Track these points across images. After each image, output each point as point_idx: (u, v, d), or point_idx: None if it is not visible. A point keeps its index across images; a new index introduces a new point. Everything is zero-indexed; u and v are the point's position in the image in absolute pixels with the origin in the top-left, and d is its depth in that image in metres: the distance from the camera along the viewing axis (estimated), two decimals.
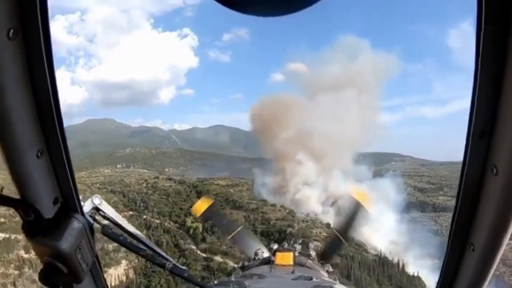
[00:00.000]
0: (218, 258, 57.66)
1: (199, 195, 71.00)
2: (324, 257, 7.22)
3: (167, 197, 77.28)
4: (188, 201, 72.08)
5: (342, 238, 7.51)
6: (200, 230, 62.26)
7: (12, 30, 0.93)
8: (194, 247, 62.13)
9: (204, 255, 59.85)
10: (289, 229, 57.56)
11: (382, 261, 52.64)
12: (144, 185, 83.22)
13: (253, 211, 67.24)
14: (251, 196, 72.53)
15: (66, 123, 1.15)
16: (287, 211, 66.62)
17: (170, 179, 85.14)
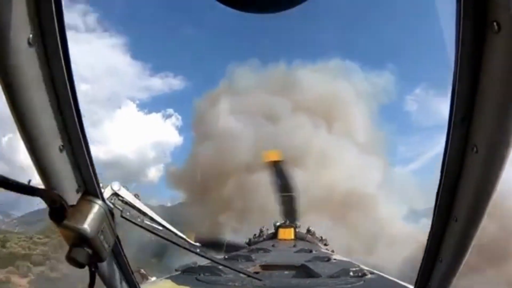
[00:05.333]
0: None
1: None
2: (290, 216, 7.24)
3: None
4: None
5: (291, 193, 7.53)
6: None
7: (31, 36, 0.93)
8: None
9: None
10: None
11: None
12: None
13: None
14: None
15: None
16: None
17: None
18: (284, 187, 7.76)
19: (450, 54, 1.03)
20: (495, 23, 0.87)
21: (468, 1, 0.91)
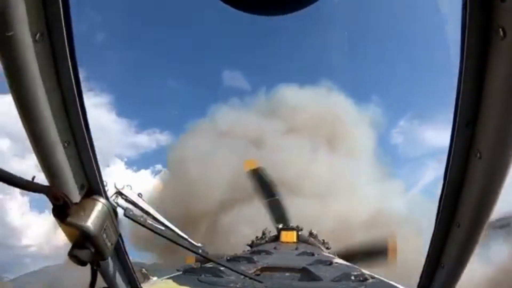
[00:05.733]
0: None
1: None
2: (281, 219, 7.17)
3: None
4: None
5: (275, 197, 7.44)
6: None
7: (38, 34, 0.93)
8: None
9: None
10: None
11: None
12: None
13: None
14: None
15: None
16: None
17: None
18: (268, 192, 7.76)
19: (454, 59, 1.02)
20: (500, 29, 0.86)
21: (474, 7, 0.90)
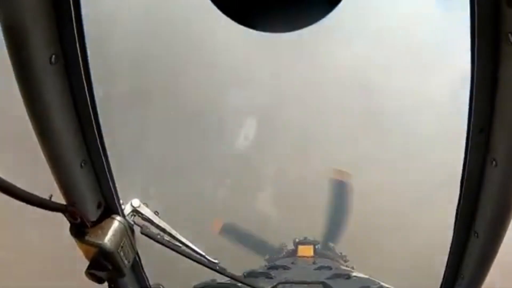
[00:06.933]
0: None
1: None
2: (332, 239, 6.92)
3: None
4: None
5: (343, 215, 7.10)
6: None
7: (54, 56, 0.93)
8: None
9: None
10: None
11: None
12: None
13: None
14: None
15: None
16: None
17: None
18: (340, 209, 7.50)
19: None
20: (509, 35, 0.84)
21: (482, 13, 0.88)
